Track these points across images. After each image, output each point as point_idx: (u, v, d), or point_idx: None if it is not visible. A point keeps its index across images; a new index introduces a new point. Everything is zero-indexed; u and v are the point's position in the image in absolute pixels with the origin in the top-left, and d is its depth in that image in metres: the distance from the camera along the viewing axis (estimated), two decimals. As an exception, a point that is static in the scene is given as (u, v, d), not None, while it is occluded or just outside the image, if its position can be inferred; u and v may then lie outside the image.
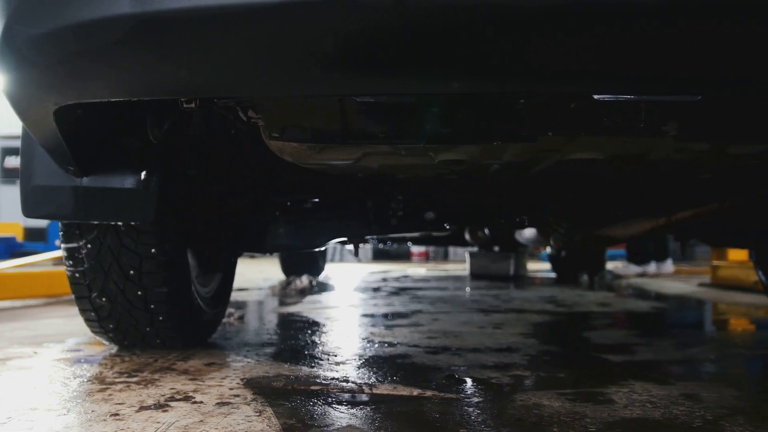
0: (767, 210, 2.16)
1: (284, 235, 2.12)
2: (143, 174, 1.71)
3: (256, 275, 6.45)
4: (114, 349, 2.19)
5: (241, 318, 3.08)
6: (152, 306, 1.98)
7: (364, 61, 1.01)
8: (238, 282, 5.60)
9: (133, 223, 1.80)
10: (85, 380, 1.75)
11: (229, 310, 3.23)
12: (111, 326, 2.05)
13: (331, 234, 2.13)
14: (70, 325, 2.87)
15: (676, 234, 2.25)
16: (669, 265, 6.64)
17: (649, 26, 0.92)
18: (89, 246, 1.89)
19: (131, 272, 1.91)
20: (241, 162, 1.96)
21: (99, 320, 2.03)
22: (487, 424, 1.32)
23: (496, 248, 6.09)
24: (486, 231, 3.99)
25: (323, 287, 4.84)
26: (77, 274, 1.95)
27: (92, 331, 2.13)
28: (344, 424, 1.32)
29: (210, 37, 1.02)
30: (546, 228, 2.26)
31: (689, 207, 1.99)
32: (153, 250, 1.90)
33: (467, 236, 4.16)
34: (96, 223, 1.84)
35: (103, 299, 1.96)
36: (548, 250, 6.39)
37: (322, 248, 2.20)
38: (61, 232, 1.92)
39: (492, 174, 1.70)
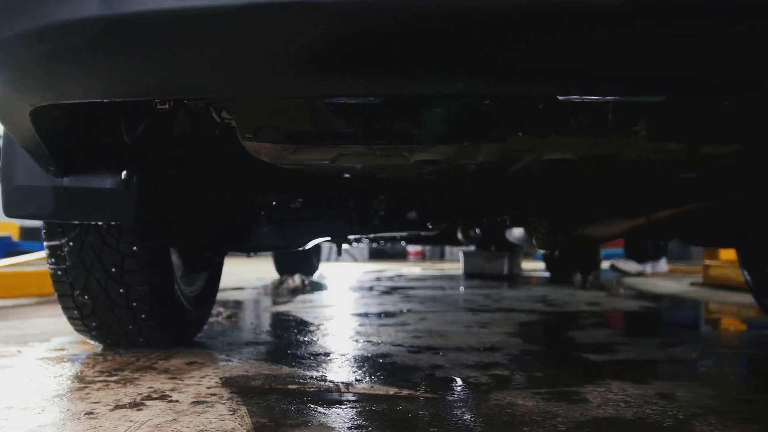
0: (748, 210, 2.17)
1: (267, 234, 2.13)
2: (123, 174, 1.72)
3: (251, 274, 6.46)
4: (99, 348, 2.20)
5: (229, 317, 3.08)
6: (134, 304, 1.98)
7: (328, 64, 1.02)
8: (231, 281, 5.63)
9: (113, 223, 1.81)
10: (66, 379, 1.75)
11: (219, 309, 3.24)
12: (94, 324, 2.06)
13: (313, 233, 2.14)
14: (58, 324, 2.87)
15: (656, 233, 2.26)
16: (663, 265, 6.65)
17: (608, 28, 0.93)
18: (71, 244, 1.90)
19: (113, 270, 1.92)
20: (224, 162, 1.97)
21: (82, 318, 2.04)
22: (458, 423, 1.33)
23: (493, 248, 6.10)
24: (477, 231, 4.00)
25: (316, 286, 4.85)
26: (59, 272, 1.95)
27: (75, 330, 2.13)
28: (316, 423, 1.32)
29: (176, 39, 1.03)
30: (528, 228, 2.27)
31: (668, 207, 2.00)
32: (134, 248, 1.90)
33: (460, 236, 4.17)
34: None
35: (86, 297, 1.97)
36: (542, 249, 6.40)
37: (306, 247, 2.20)
38: (44, 231, 1.93)
39: (470, 174, 1.71)
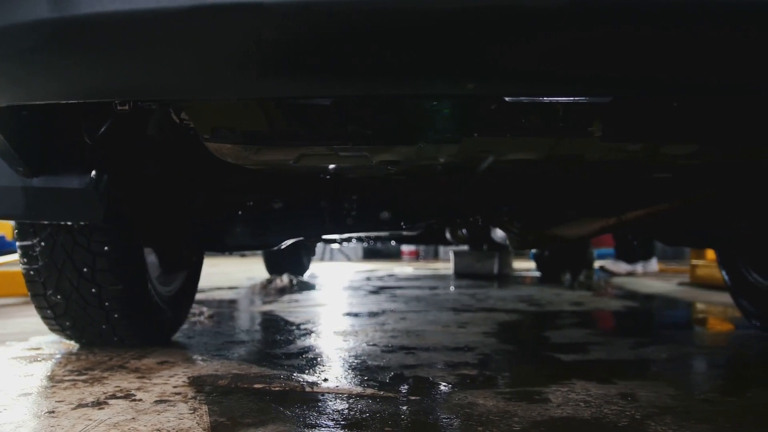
0: (721, 210, 2.18)
1: (240, 234, 2.14)
2: (93, 174, 1.73)
3: (242, 274, 6.47)
4: (75, 347, 2.21)
5: (211, 317, 3.09)
6: (107, 303, 1.99)
7: (272, 65, 1.03)
8: (222, 281, 5.64)
9: (83, 223, 1.82)
10: (35, 378, 1.76)
11: (202, 308, 3.25)
12: (67, 324, 2.07)
13: (286, 233, 2.15)
14: (39, 324, 2.84)
15: (629, 233, 2.27)
16: (653, 264, 6.67)
17: (544, 30, 0.93)
18: (43, 244, 1.91)
19: (85, 270, 1.93)
20: (195, 163, 1.98)
21: (55, 318, 2.05)
22: (414, 423, 1.33)
23: (485, 247, 6.11)
24: (463, 231, 4.01)
25: (304, 286, 4.86)
26: (32, 272, 1.96)
27: (50, 329, 2.14)
28: (274, 422, 1.33)
29: (123, 41, 1.04)
30: (501, 227, 2.28)
31: (638, 207, 2.01)
32: (106, 248, 1.91)
33: (448, 236, 4.19)
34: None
35: (58, 297, 1.98)
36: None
37: (281, 247, 2.21)
38: (16, 230, 1.93)
39: (438, 174, 1.72)
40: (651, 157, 1.50)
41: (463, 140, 1.28)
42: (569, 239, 2.08)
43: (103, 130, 1.53)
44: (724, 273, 2.74)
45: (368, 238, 4.71)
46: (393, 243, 6.31)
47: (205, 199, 2.14)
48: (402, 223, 2.12)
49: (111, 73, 1.08)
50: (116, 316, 2.03)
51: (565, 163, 1.55)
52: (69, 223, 1.81)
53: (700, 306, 3.80)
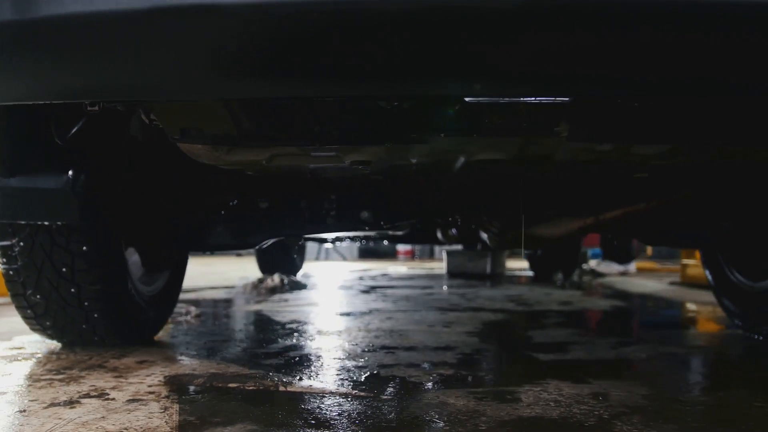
0: (702, 209, 2.18)
1: (221, 234, 2.14)
2: (69, 174, 1.74)
3: (236, 274, 6.48)
4: (58, 346, 2.21)
5: (198, 316, 3.10)
6: (86, 303, 2.00)
7: (234, 66, 1.03)
8: (215, 280, 5.65)
9: (59, 223, 1.82)
10: (13, 377, 1.77)
11: (189, 308, 3.26)
12: (48, 323, 2.07)
13: (266, 233, 2.16)
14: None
15: (608, 233, 2.27)
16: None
17: (499, 31, 0.94)
18: (22, 244, 1.91)
19: (64, 269, 1.93)
20: (173, 163, 1.98)
21: (35, 317, 2.06)
22: (381, 422, 1.34)
23: (479, 246, 6.11)
24: (453, 231, 4.01)
25: (295, 286, 4.86)
26: (11, 272, 1.97)
27: (31, 329, 2.15)
28: (242, 421, 1.34)
29: (85, 42, 1.04)
30: (481, 227, 2.29)
31: (616, 207, 2.01)
32: (84, 248, 1.92)
33: (440, 235, 4.19)
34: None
35: (38, 297, 1.98)
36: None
37: (262, 246, 2.21)
38: (-5, 230, 1.94)
39: (414, 174, 1.72)
40: (622, 158, 1.50)
41: (431, 140, 1.29)
42: (547, 239, 2.08)
43: (74, 130, 1.53)
44: (707, 272, 2.75)
45: (358, 237, 4.72)
46: (386, 242, 6.30)
47: (184, 200, 2.14)
48: (382, 223, 2.12)
49: (72, 74, 1.08)
50: (96, 315, 2.04)
51: (537, 163, 1.55)
52: (46, 223, 1.82)
53: (687, 306, 3.80)
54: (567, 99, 1.09)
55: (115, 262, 2.02)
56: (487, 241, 2.32)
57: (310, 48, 0.98)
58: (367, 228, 2.13)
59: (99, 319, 2.05)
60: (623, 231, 2.28)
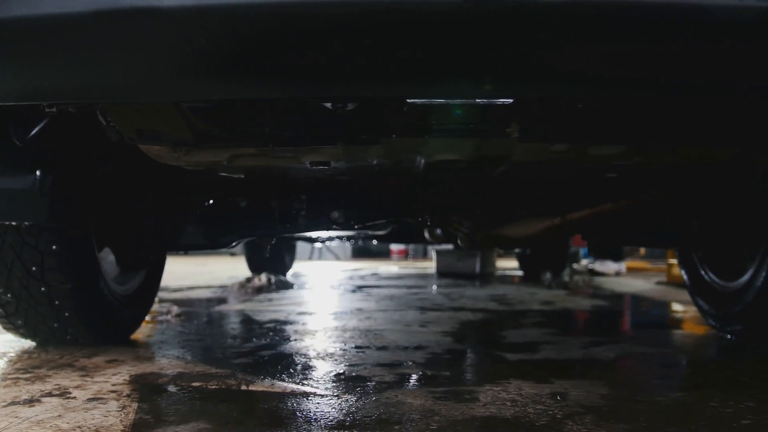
0: (671, 210, 2.19)
1: (192, 234, 2.16)
2: (37, 175, 1.75)
3: (227, 273, 6.49)
4: (32, 345, 2.22)
5: (178, 315, 3.11)
6: (57, 302, 2.01)
7: (176, 68, 1.04)
8: (203, 279, 5.66)
9: (27, 223, 1.83)
10: (-20, 376, 1.78)
11: (171, 307, 3.27)
12: (20, 322, 2.08)
13: (238, 233, 2.17)
14: (5, 321, 2.89)
15: (577, 233, 2.29)
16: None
17: (436, 32, 0.95)
18: (-9, 243, 1.92)
19: (33, 268, 1.94)
20: (141, 164, 1.99)
21: (7, 316, 2.07)
22: (335, 421, 1.35)
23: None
24: (438, 231, 4.03)
25: (282, 285, 4.88)
26: (-18, 271, 1.98)
27: (4, 328, 2.16)
28: (197, 419, 1.35)
29: (29, 45, 1.06)
30: (451, 228, 2.30)
31: (584, 207, 2.02)
32: (54, 247, 1.92)
33: (426, 235, 4.20)
34: (-6, 221, 1.87)
35: (9, 295, 1.99)
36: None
37: (232, 246, 2.23)
38: (-36, 230, 1.95)
39: (378, 175, 1.73)
40: (580, 158, 1.51)
41: (383, 141, 1.30)
42: (515, 239, 2.09)
43: (36, 131, 1.54)
44: (683, 272, 2.76)
45: (347, 237, 4.73)
46: (375, 242, 6.32)
47: (154, 200, 2.15)
48: (353, 223, 2.13)
49: (18, 76, 1.09)
50: (67, 314, 2.05)
51: (496, 163, 1.56)
52: (14, 222, 1.83)
53: (667, 305, 3.81)
54: (509, 101, 1.10)
55: (85, 261, 2.03)
56: (459, 242, 2.33)
57: (249, 51, 0.99)
58: (337, 228, 2.14)
59: (70, 318, 2.06)
60: (593, 231, 2.29)
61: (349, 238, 4.87)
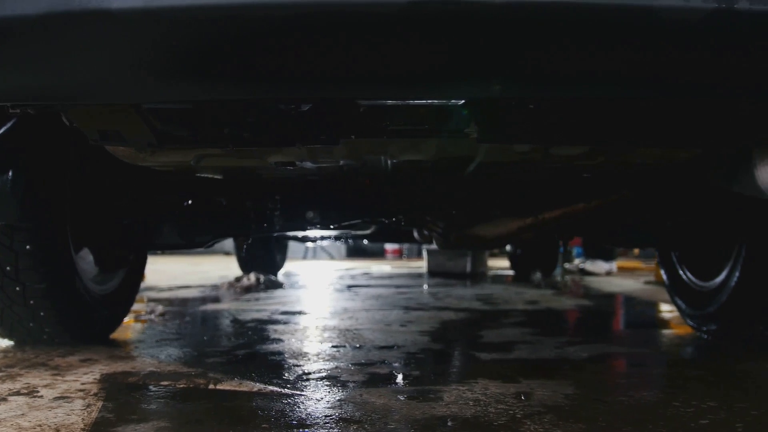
0: (646, 209, 2.20)
1: (168, 234, 2.17)
2: (9, 175, 1.76)
3: (217, 273, 6.50)
4: (10, 345, 2.23)
5: (162, 315, 3.12)
6: (32, 302, 2.02)
7: (129, 70, 1.05)
8: (194, 279, 5.67)
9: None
10: (-47, 375, 1.79)
11: (156, 307, 3.28)
12: (-5, 322, 2.10)
13: (213, 232, 2.18)
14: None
15: (551, 233, 2.30)
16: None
17: (384, 34, 0.96)
18: (-35, 242, 1.93)
19: (8, 268, 1.95)
20: (118, 164, 2.01)
21: (-18, 315, 2.08)
22: (295, 420, 1.36)
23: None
24: (415, 231, 4.04)
25: (271, 285, 4.89)
26: (-42, 270, 1.99)
27: (-20, 327, 2.17)
28: (158, 418, 1.36)
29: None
30: (426, 228, 2.32)
31: (556, 207, 2.03)
32: (28, 247, 1.94)
33: (416, 234, 4.21)
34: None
35: (-17, 295, 2.01)
36: (507, 248, 6.45)
37: (208, 245, 2.24)
38: (-60, 230, 1.96)
39: (347, 175, 1.75)
40: (545, 158, 1.52)
41: (343, 142, 1.31)
42: (489, 239, 2.11)
43: (2, 132, 1.55)
44: (662, 272, 2.77)
45: (338, 236, 4.74)
46: (365, 242, 6.33)
47: (131, 200, 2.17)
48: (328, 223, 2.15)
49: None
50: (42, 314, 2.06)
51: (457, 164, 1.57)
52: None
53: (652, 305, 3.82)
54: (460, 102, 1.11)
55: (61, 261, 2.04)
56: (434, 242, 2.34)
57: (196, 53, 1.00)
58: (313, 227, 2.15)
59: (46, 317, 2.07)
60: (566, 231, 2.30)
61: (338, 237, 4.89)
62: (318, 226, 2.17)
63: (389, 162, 1.59)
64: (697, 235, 2.40)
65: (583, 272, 6.65)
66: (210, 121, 1.24)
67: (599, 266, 6.75)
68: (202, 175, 1.91)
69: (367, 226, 3.00)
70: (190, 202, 2.12)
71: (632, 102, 1.27)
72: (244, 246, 2.29)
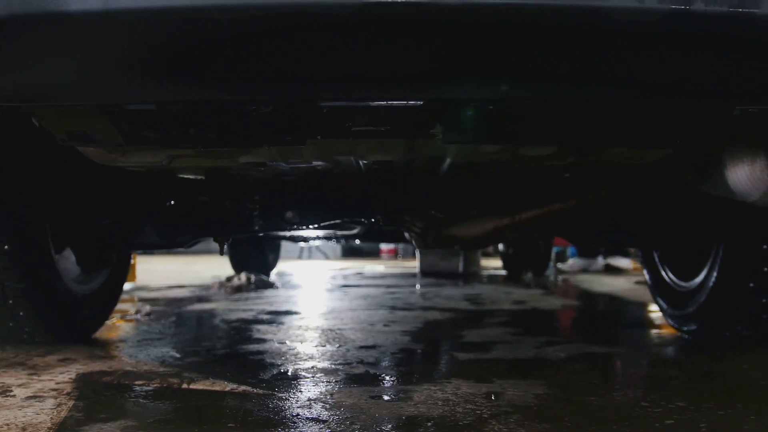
0: (623, 209, 2.21)
1: (148, 234, 2.18)
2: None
3: (210, 272, 6.50)
4: (-7, 344, 2.25)
5: (148, 314, 3.12)
6: (11, 301, 2.03)
7: (91, 71, 1.06)
8: (186, 279, 5.68)
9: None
10: (-70, 374, 1.80)
11: (143, 306, 3.29)
12: (-24, 322, 2.10)
13: (193, 232, 2.19)
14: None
15: (529, 233, 2.31)
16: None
17: (338, 35, 0.97)
18: (-56, 243, 1.94)
19: (-14, 268, 1.96)
20: (96, 165, 2.02)
21: (-37, 315, 2.09)
22: (261, 419, 1.37)
23: (457, 246, 6.15)
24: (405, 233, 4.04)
25: (262, 285, 4.90)
26: (-63, 270, 2.00)
27: (-39, 326, 2.18)
28: (127, 417, 1.37)
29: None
30: (404, 228, 2.33)
31: (531, 207, 2.04)
32: (6, 247, 1.94)
33: (406, 234, 4.22)
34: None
35: (-37, 294, 2.01)
36: (500, 247, 6.46)
37: (188, 245, 2.25)
38: None
39: (320, 176, 1.76)
40: (514, 158, 1.53)
41: (310, 142, 1.32)
42: (466, 239, 2.11)
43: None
44: (645, 272, 2.78)
45: (330, 236, 4.74)
46: (357, 242, 6.34)
47: (111, 200, 2.18)
48: (307, 223, 2.16)
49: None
50: (22, 313, 2.07)
51: (433, 164, 1.58)
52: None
53: (639, 305, 3.82)
54: (419, 102, 1.12)
55: (40, 260, 2.05)
56: (413, 242, 2.35)
57: (153, 54, 1.01)
58: (293, 228, 2.16)
59: (25, 317, 2.08)
60: (545, 231, 2.31)
61: (328, 238, 4.89)
62: (298, 226, 2.18)
63: (361, 163, 1.60)
64: (678, 235, 2.41)
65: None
66: (175, 122, 1.25)
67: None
68: (183, 176, 1.92)
69: (351, 226, 3.00)
70: (172, 202, 2.12)
71: (596, 102, 1.28)
72: (225, 245, 2.29)
